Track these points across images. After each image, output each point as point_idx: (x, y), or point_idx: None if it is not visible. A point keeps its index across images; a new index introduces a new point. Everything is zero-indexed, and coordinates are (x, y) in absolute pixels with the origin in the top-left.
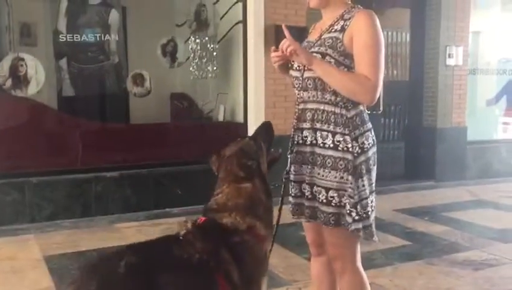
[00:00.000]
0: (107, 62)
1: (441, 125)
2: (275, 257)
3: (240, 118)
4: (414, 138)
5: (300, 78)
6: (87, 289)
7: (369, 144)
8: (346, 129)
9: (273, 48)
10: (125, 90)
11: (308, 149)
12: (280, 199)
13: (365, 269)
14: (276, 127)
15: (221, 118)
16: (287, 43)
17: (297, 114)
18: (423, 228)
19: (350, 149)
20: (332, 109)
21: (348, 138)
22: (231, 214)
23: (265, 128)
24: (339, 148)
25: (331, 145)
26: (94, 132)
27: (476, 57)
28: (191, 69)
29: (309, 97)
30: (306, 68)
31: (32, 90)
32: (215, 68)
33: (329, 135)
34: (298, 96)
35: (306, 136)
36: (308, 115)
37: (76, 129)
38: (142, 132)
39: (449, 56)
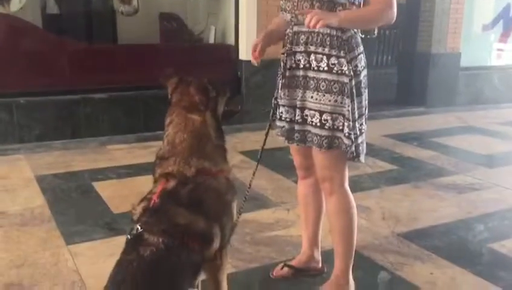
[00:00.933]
0: None
1: (435, 51)
2: (263, 179)
3: (231, 40)
4: (407, 64)
5: (296, 1)
6: None
7: (361, 66)
8: (342, 51)
9: (252, 56)
10: (112, 9)
11: (301, 73)
12: (268, 123)
13: (352, 191)
14: (268, 51)
15: (211, 39)
16: (314, 19)
17: (289, 37)
18: (411, 153)
19: (345, 72)
20: (328, 31)
21: (343, 60)
22: (176, 160)
23: (235, 93)
24: (334, 71)
25: (326, 68)
26: (81, 51)
27: None
28: None
29: (304, 19)
30: None
31: (14, 6)
32: None
33: (324, 58)
34: (291, 18)
35: (299, 60)
36: (302, 37)
37: (63, 49)
38: (130, 53)
39: None
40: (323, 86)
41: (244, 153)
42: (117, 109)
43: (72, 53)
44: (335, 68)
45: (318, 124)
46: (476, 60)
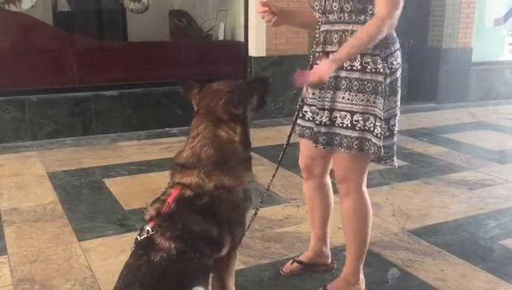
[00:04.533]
0: None
1: (446, 46)
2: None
3: (240, 37)
4: (418, 59)
5: (323, 2)
6: None
7: (397, 64)
8: (377, 49)
9: (261, 3)
10: (122, 6)
11: (332, 73)
12: (292, 125)
13: None
14: (277, 47)
15: (221, 36)
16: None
17: (321, 36)
18: (421, 149)
19: (380, 70)
20: None
21: (377, 58)
22: (198, 174)
23: (264, 81)
24: (367, 69)
25: (359, 67)
26: (92, 49)
27: None
28: None
29: (335, 19)
30: None
31: (26, 4)
32: None
33: (358, 57)
34: (322, 17)
35: None
36: (335, 36)
37: (73, 46)
38: (141, 50)
39: None
40: (355, 86)
41: (252, 149)
42: (128, 106)
43: (82, 50)
44: (368, 67)
45: (349, 125)
46: (487, 55)
